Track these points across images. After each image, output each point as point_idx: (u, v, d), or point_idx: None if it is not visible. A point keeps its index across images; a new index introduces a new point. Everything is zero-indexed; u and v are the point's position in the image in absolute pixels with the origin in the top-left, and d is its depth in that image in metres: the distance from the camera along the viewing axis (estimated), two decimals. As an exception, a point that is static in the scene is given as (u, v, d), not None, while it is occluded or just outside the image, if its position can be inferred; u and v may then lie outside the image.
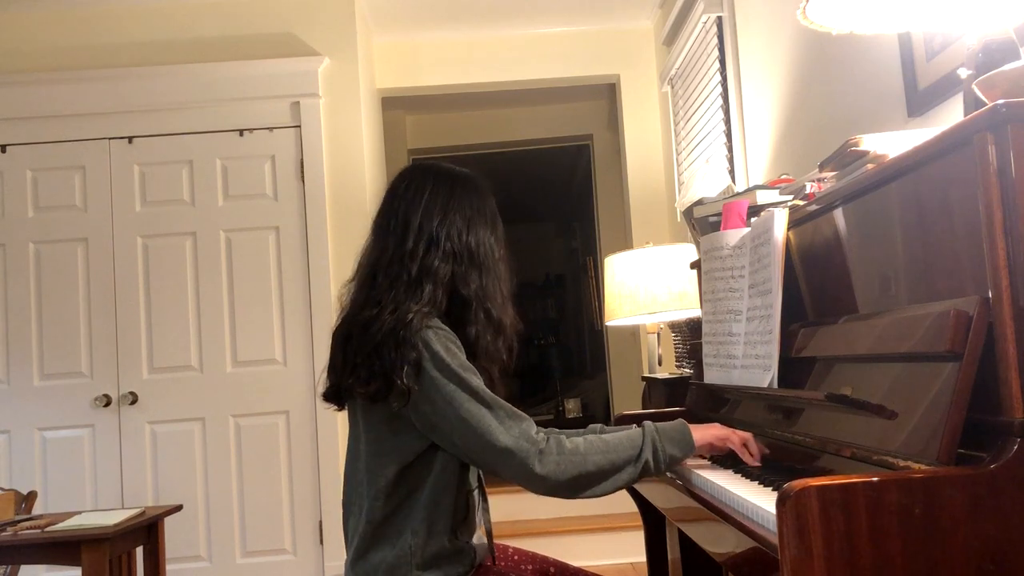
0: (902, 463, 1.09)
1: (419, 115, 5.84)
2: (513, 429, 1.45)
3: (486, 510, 1.65)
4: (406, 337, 1.45)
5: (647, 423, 1.54)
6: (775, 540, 1.01)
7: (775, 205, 1.81)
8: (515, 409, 1.48)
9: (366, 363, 1.46)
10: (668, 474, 1.65)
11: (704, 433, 1.56)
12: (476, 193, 1.63)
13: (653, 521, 2.26)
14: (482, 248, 1.58)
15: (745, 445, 1.56)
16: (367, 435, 1.52)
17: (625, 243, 4.63)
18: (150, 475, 3.77)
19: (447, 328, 1.50)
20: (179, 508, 2.98)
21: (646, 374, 3.38)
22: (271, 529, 3.77)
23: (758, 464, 1.53)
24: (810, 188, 1.77)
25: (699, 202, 2.29)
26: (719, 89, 3.36)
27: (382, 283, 1.54)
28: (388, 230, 1.59)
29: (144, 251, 3.86)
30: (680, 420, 1.56)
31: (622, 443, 1.49)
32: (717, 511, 1.33)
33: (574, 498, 1.48)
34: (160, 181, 3.89)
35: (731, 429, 1.59)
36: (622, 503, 2.10)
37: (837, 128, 2.33)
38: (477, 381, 1.47)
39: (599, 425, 1.86)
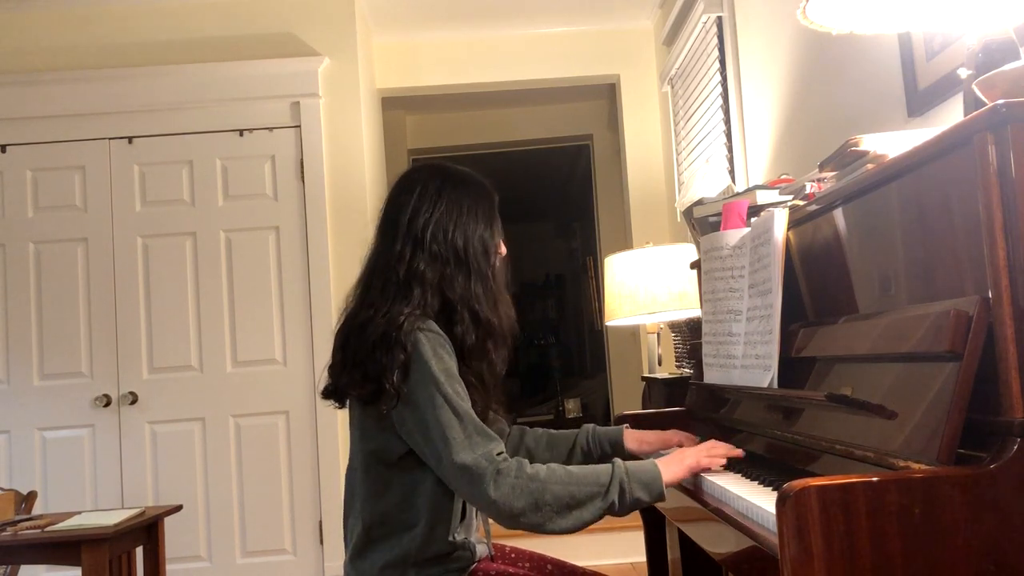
0: (902, 463, 1.09)
1: (419, 115, 5.84)
2: (478, 447, 1.40)
3: None
4: (397, 339, 1.44)
5: (617, 461, 1.46)
6: (775, 540, 1.01)
7: (775, 205, 1.81)
8: (486, 428, 1.44)
9: (360, 366, 1.46)
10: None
11: (676, 471, 1.47)
12: (467, 190, 1.60)
13: (653, 521, 2.25)
14: (470, 248, 1.55)
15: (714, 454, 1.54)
16: (363, 435, 1.52)
17: (625, 243, 4.63)
18: (150, 475, 3.77)
19: (440, 332, 1.49)
20: (179, 508, 2.98)
21: (646, 374, 3.38)
22: (271, 529, 3.77)
23: (740, 454, 1.54)
24: (810, 188, 1.77)
25: (699, 202, 2.29)
26: (719, 89, 3.36)
27: (376, 285, 1.54)
28: (383, 232, 1.60)
29: (144, 251, 3.86)
30: (652, 462, 1.48)
31: (587, 477, 1.42)
32: (717, 511, 1.33)
33: (532, 530, 1.39)
34: (160, 181, 3.89)
35: (697, 450, 1.54)
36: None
37: (837, 128, 2.32)
38: (457, 389, 1.44)
39: (591, 426, 1.86)
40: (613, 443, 1.82)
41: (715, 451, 1.54)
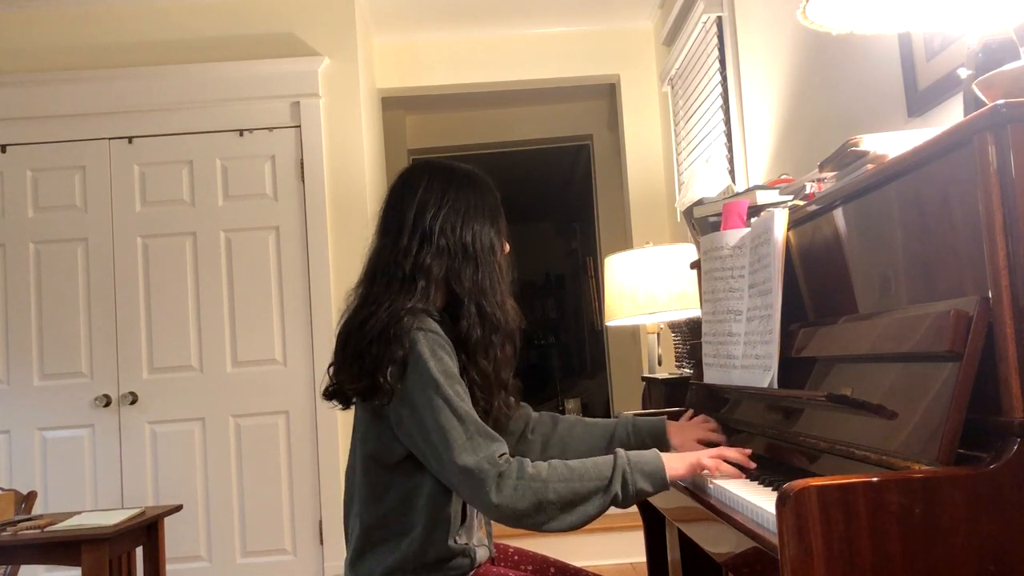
0: (902, 463, 1.09)
1: (419, 115, 5.84)
2: (480, 449, 1.38)
3: None
4: (396, 334, 1.43)
5: (619, 451, 1.44)
6: (775, 540, 1.01)
7: (775, 205, 1.81)
8: (488, 428, 1.42)
9: (358, 360, 1.45)
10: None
11: (677, 468, 1.44)
12: (473, 187, 1.60)
13: (653, 521, 2.26)
14: (477, 243, 1.55)
15: (726, 458, 1.47)
16: (363, 436, 1.51)
17: (625, 243, 4.63)
18: (150, 475, 3.77)
19: (440, 332, 1.47)
20: (179, 508, 2.98)
21: (646, 374, 3.38)
22: (271, 529, 3.77)
23: (753, 465, 1.47)
24: (810, 188, 1.77)
25: (699, 202, 2.29)
26: (719, 89, 3.36)
27: (380, 281, 1.53)
28: (386, 229, 1.59)
29: (144, 251, 3.86)
30: (654, 451, 1.46)
31: (589, 472, 1.40)
32: (717, 511, 1.32)
33: (535, 530, 1.38)
34: (160, 181, 3.89)
35: (705, 451, 1.49)
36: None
37: (837, 128, 2.32)
38: (457, 390, 1.42)
39: (630, 416, 1.85)
40: (655, 436, 1.77)
41: (724, 453, 1.48)
